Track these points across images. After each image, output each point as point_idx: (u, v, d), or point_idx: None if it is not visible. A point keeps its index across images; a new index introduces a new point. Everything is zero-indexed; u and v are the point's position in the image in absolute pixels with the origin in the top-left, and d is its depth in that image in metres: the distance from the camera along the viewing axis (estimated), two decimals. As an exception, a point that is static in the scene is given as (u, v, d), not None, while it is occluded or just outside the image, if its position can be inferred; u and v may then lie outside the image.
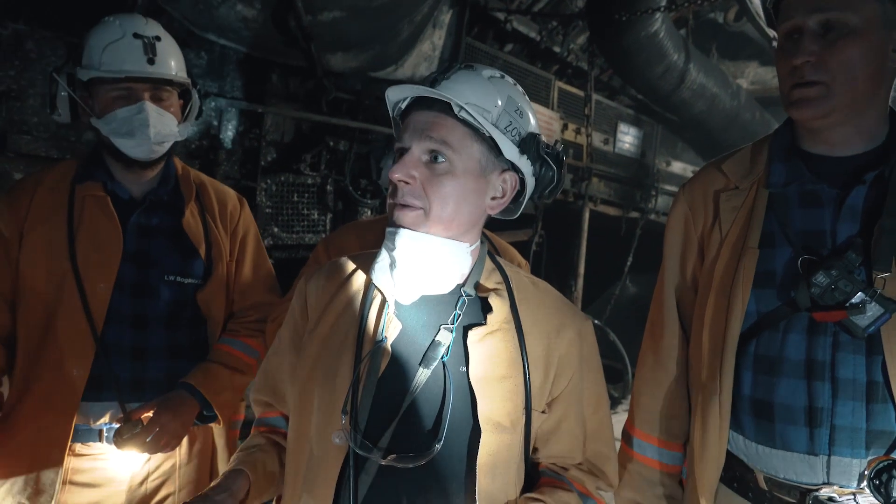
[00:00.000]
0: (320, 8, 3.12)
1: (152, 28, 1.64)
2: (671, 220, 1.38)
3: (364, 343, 1.05)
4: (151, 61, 1.58)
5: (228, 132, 3.20)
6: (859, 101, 1.12)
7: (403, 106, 1.09)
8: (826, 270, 1.09)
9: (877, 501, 1.07)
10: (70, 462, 1.50)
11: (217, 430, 1.71)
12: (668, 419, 1.33)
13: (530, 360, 1.07)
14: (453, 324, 1.05)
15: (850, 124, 1.16)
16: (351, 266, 1.16)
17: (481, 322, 1.07)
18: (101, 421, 1.53)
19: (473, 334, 1.06)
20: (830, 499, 1.10)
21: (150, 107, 1.56)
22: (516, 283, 1.14)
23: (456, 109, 1.02)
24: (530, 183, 1.11)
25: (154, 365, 1.60)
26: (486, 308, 1.08)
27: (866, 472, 1.07)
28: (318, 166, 3.50)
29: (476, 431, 1.01)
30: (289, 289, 1.64)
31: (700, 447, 1.23)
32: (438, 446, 0.98)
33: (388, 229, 1.06)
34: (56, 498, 1.47)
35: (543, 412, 1.09)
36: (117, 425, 1.52)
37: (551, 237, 5.51)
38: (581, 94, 5.58)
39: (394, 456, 0.98)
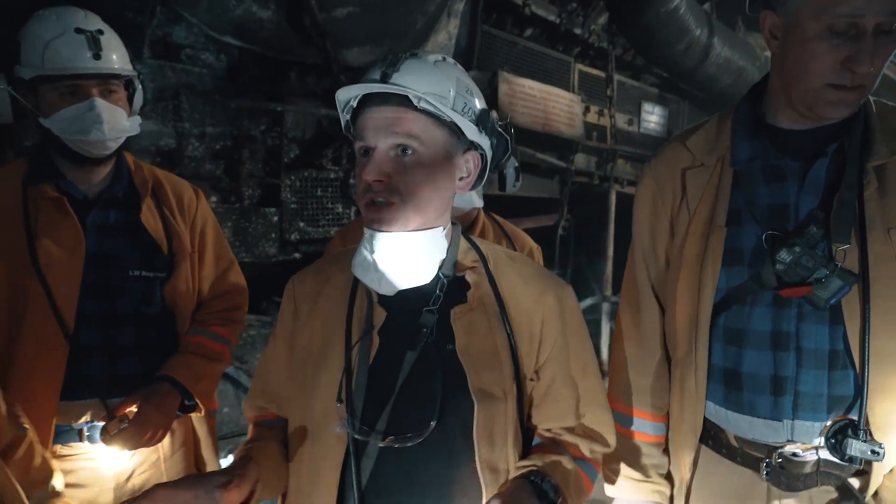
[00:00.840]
0: (333, 5, 3.17)
1: (93, 21, 1.59)
2: (639, 197, 1.39)
3: (353, 334, 1.09)
4: (97, 56, 1.53)
5: (251, 131, 3.28)
6: None
7: (355, 104, 1.07)
8: (789, 248, 1.13)
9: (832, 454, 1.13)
10: (53, 465, 1.47)
11: (197, 419, 1.73)
12: (660, 393, 1.36)
13: (514, 330, 1.11)
14: (434, 305, 1.09)
15: None
16: (336, 263, 1.20)
17: (462, 300, 1.11)
18: (83, 420, 1.53)
19: (456, 312, 1.09)
20: (794, 454, 1.17)
21: (101, 103, 1.53)
22: (493, 258, 1.18)
23: (416, 101, 1.03)
24: (489, 157, 1.14)
25: (127, 362, 1.59)
26: (466, 286, 1.12)
27: (824, 433, 1.13)
28: (340, 160, 3.56)
29: (470, 404, 1.05)
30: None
31: (679, 418, 1.29)
32: (433, 423, 1.02)
33: (367, 231, 1.08)
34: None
35: (532, 379, 1.13)
36: (99, 423, 1.52)
37: (578, 221, 5.48)
38: (603, 75, 5.52)
39: (391, 437, 1.02)
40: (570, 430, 1.16)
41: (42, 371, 1.48)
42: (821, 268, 1.11)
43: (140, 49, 2.82)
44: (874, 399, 1.12)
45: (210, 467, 1.75)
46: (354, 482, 1.03)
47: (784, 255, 1.13)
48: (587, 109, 5.36)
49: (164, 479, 1.63)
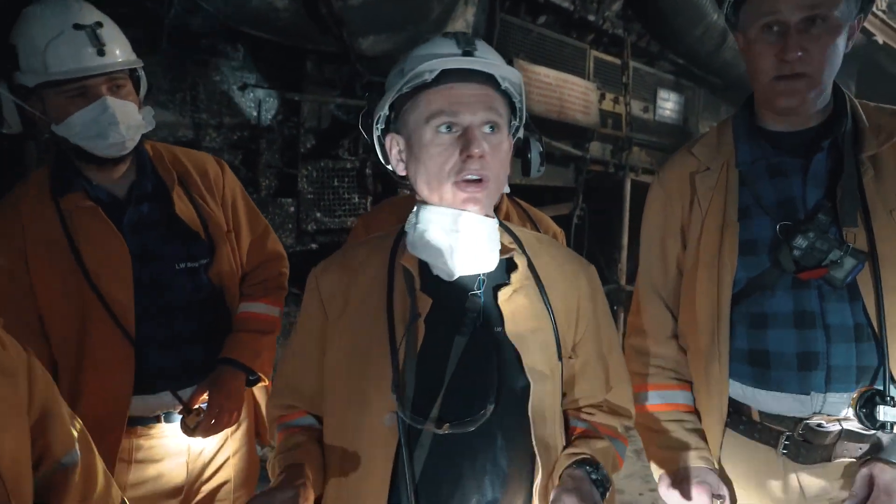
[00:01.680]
0: (350, -7, 3.14)
1: (89, 13, 1.49)
2: (649, 206, 1.49)
3: (396, 323, 1.07)
4: (101, 52, 1.45)
5: (268, 121, 3.28)
6: (828, 85, 1.27)
7: (430, 78, 1.05)
8: (804, 234, 1.23)
9: (859, 424, 1.21)
10: (133, 442, 1.57)
11: (258, 390, 1.80)
12: (677, 365, 1.44)
13: (554, 310, 1.12)
14: (479, 289, 1.09)
15: (814, 104, 1.30)
16: (363, 251, 1.18)
17: (506, 282, 1.11)
18: (159, 410, 1.59)
19: (501, 295, 1.10)
20: (819, 425, 1.25)
21: (113, 101, 1.47)
22: (525, 239, 1.19)
23: (501, 82, 1.07)
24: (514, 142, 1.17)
25: (192, 350, 1.64)
26: (511, 267, 1.13)
27: (853, 403, 1.21)
28: (356, 150, 3.55)
29: (524, 384, 1.06)
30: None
31: (707, 404, 1.37)
32: (491, 406, 1.02)
33: (446, 211, 1.07)
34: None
35: (570, 357, 1.15)
36: (174, 412, 1.59)
37: (593, 209, 5.45)
38: (618, 62, 5.46)
39: (448, 424, 1.01)
40: (598, 406, 1.19)
41: (111, 375, 1.51)
42: (834, 249, 1.21)
43: (158, 39, 2.81)
44: (894, 367, 1.21)
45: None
46: (408, 473, 1.01)
47: (800, 242, 1.23)
48: (602, 97, 5.31)
49: (231, 452, 1.71)
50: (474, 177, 1.03)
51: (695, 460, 1.31)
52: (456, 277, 1.09)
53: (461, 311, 1.07)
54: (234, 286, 1.74)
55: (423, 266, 1.11)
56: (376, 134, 1.16)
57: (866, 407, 1.19)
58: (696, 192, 1.38)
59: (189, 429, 1.57)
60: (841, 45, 1.23)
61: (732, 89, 6.31)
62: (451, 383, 1.04)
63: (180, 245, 1.63)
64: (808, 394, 1.24)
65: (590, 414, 1.18)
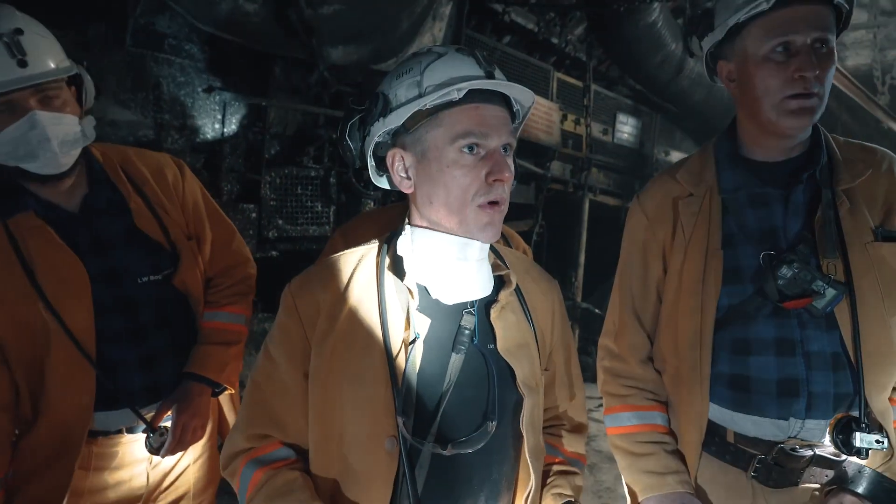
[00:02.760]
0: (320, 1, 3.15)
1: (7, 19, 1.34)
2: (630, 228, 1.51)
3: (392, 344, 1.04)
4: (23, 63, 1.32)
5: (232, 126, 3.23)
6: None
7: (458, 97, 1.01)
8: (788, 264, 1.26)
9: (834, 449, 1.25)
10: (93, 450, 1.53)
11: (223, 398, 1.77)
12: (653, 387, 1.47)
13: (534, 325, 1.16)
14: (473, 307, 1.09)
15: (808, 131, 1.33)
16: (344, 267, 1.13)
17: (495, 299, 1.12)
18: (122, 425, 1.56)
19: (493, 312, 1.10)
20: (793, 449, 1.27)
21: (43, 116, 1.34)
22: (507, 256, 1.21)
23: (514, 105, 1.09)
24: None
25: (162, 366, 1.59)
26: (499, 284, 1.14)
27: (830, 429, 1.25)
28: (322, 159, 3.53)
29: (517, 398, 1.08)
30: (289, 278, 1.65)
31: (686, 427, 1.37)
32: (493, 424, 1.03)
33: (458, 239, 1.05)
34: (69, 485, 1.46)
35: (547, 369, 1.19)
36: (137, 426, 1.56)
37: (552, 227, 5.54)
38: (580, 84, 5.60)
39: (452, 444, 1.01)
40: (561, 423, 1.24)
41: (72, 396, 1.46)
42: (817, 280, 1.24)
43: (122, 37, 2.74)
44: (870, 395, 1.23)
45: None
46: (411, 496, 0.99)
47: (785, 272, 1.25)
48: (564, 118, 5.43)
49: (192, 459, 1.68)
50: (496, 199, 1.03)
51: (677, 485, 1.32)
52: (458, 302, 1.09)
53: (455, 329, 1.07)
54: (200, 293, 1.69)
55: (420, 286, 1.09)
56: (370, 146, 1.10)
57: (843, 433, 1.22)
58: (679, 218, 1.40)
59: (153, 448, 1.56)
60: (833, 71, 1.27)
61: (687, 117, 6.54)
62: (449, 402, 1.03)
63: (143, 258, 1.55)
64: (786, 419, 1.27)
65: (558, 436, 1.22)
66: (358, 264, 1.12)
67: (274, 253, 3.41)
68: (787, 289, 1.25)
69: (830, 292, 1.23)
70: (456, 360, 1.04)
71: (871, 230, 1.28)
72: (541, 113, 5.03)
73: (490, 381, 1.05)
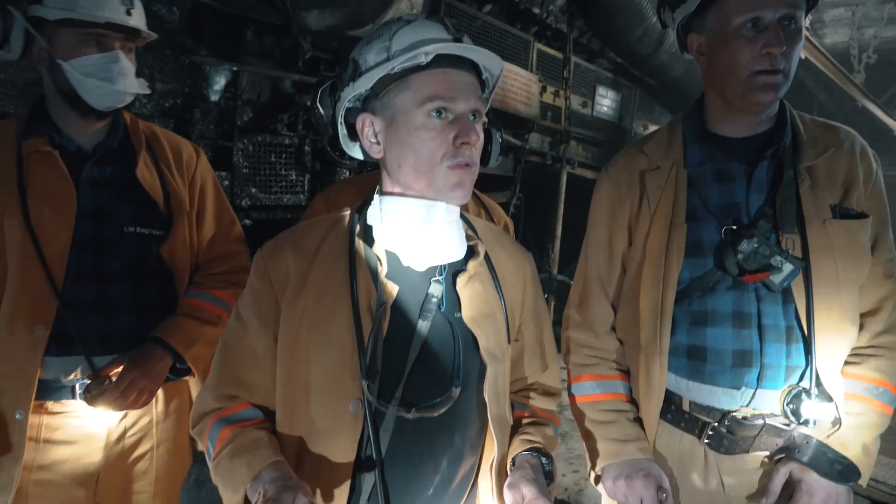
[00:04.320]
0: (295, -37, 3.05)
1: None
2: (597, 201, 1.52)
3: (361, 309, 1.06)
4: (129, 12, 1.56)
5: (203, 91, 3.15)
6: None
7: (425, 61, 1.03)
8: (749, 239, 1.28)
9: (783, 418, 1.29)
10: (44, 419, 1.50)
11: (193, 384, 1.72)
12: (614, 357, 1.50)
13: (504, 296, 1.17)
14: (441, 275, 1.11)
15: (774, 107, 1.35)
16: (316, 233, 1.14)
17: (464, 268, 1.13)
18: (72, 376, 1.51)
19: (460, 281, 1.12)
20: (745, 417, 1.32)
21: (124, 57, 1.55)
22: (479, 229, 1.22)
23: (483, 73, 1.09)
24: None
25: (120, 319, 1.57)
26: (469, 255, 1.15)
27: (780, 399, 1.29)
28: (296, 126, 3.47)
29: (481, 366, 1.10)
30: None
31: (646, 396, 1.40)
32: (458, 390, 1.05)
33: (423, 201, 1.06)
34: (24, 455, 1.44)
35: (517, 340, 1.21)
36: (88, 381, 1.51)
37: (529, 199, 5.54)
38: (560, 56, 5.55)
39: (416, 409, 1.03)
40: (532, 387, 1.25)
41: (28, 324, 1.45)
42: (776, 255, 1.27)
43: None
44: (821, 367, 1.27)
45: None
46: (376, 458, 1.02)
47: (745, 246, 1.28)
48: (543, 89, 5.39)
49: (154, 443, 1.64)
50: (465, 162, 1.04)
51: (637, 452, 1.35)
52: (426, 268, 1.10)
53: (423, 297, 1.09)
54: (185, 268, 1.68)
55: (389, 253, 1.11)
56: (341, 111, 1.12)
57: (793, 403, 1.27)
58: (645, 190, 1.42)
59: (90, 395, 1.48)
60: (801, 48, 1.29)
61: (666, 91, 6.54)
62: (415, 367, 1.06)
63: (134, 208, 1.61)
64: (739, 388, 1.31)
65: (528, 398, 1.24)
66: (329, 231, 1.14)
67: (247, 221, 3.36)
68: (746, 263, 1.28)
69: (788, 267, 1.27)
70: (422, 327, 1.07)
71: (830, 208, 1.30)
72: (520, 84, 4.98)
73: (455, 348, 1.07)
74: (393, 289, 1.08)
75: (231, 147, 3.23)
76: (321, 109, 1.15)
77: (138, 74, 1.63)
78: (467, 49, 1.04)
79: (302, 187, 3.58)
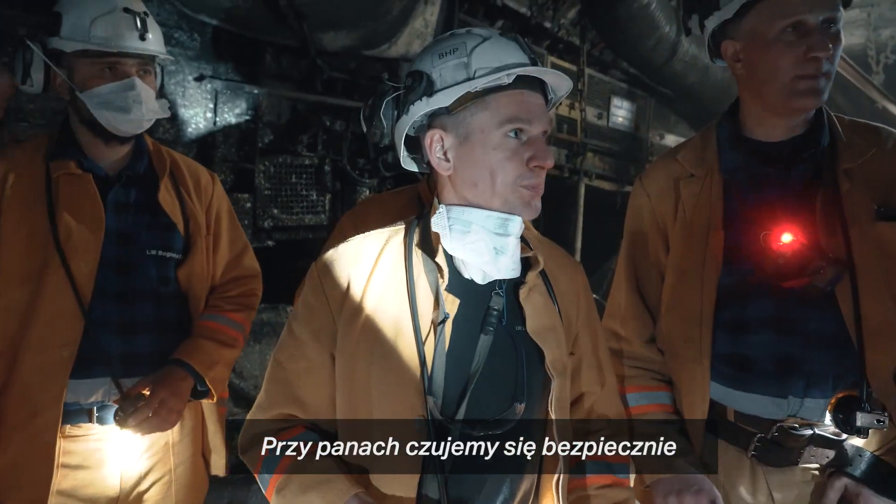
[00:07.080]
0: (311, -15, 3.10)
1: (139, 4, 1.64)
2: (632, 209, 1.51)
3: (420, 324, 1.04)
4: (143, 37, 1.58)
5: (224, 114, 3.19)
6: None
7: (507, 82, 1.04)
8: (788, 244, 1.24)
9: (833, 428, 1.25)
10: (61, 444, 1.48)
11: (207, 406, 1.71)
12: (658, 366, 1.46)
13: (560, 307, 1.16)
14: (501, 288, 1.09)
15: (814, 110, 1.34)
16: (372, 245, 1.13)
17: (522, 280, 1.12)
18: (93, 398, 1.51)
19: (521, 293, 1.11)
20: (792, 427, 1.28)
21: (140, 83, 1.57)
22: (531, 238, 1.21)
23: (551, 96, 1.11)
24: None
25: (143, 340, 1.59)
26: (526, 265, 1.14)
27: (830, 408, 1.25)
28: (316, 147, 3.49)
29: (545, 381, 1.08)
30: (285, 268, 1.66)
31: (690, 408, 1.37)
32: (522, 406, 1.04)
33: (499, 213, 1.06)
34: (54, 479, 1.44)
35: (572, 353, 1.19)
36: (109, 404, 1.50)
37: (548, 212, 5.50)
38: (574, 68, 5.56)
39: (481, 424, 1.02)
40: (600, 427, 1.20)
41: (56, 346, 1.46)
42: (817, 259, 1.23)
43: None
44: (870, 374, 1.22)
45: (217, 456, 1.73)
46: (440, 477, 1.01)
47: (785, 251, 1.25)
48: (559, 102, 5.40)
49: (172, 465, 1.62)
50: (537, 184, 1.06)
51: (688, 466, 1.31)
52: (493, 279, 1.09)
53: (484, 310, 1.07)
54: (202, 291, 1.70)
55: (451, 265, 1.10)
56: (408, 124, 1.10)
57: (843, 412, 1.23)
58: (680, 198, 1.41)
59: (122, 416, 1.46)
60: (841, 51, 1.28)
61: (681, 100, 6.51)
62: (477, 382, 1.04)
63: (156, 232, 1.64)
64: (785, 397, 1.28)
65: (600, 441, 1.17)
66: (386, 243, 1.12)
67: (270, 242, 3.39)
68: (786, 268, 1.26)
69: (830, 271, 1.24)
70: (484, 342, 1.05)
71: (873, 209, 1.27)
72: (535, 97, 4.99)
73: (518, 362, 1.06)
74: (454, 302, 1.07)
75: (253, 169, 3.26)
76: (383, 121, 1.13)
77: (161, 95, 1.66)
78: (548, 73, 1.06)
79: (323, 207, 3.59)
